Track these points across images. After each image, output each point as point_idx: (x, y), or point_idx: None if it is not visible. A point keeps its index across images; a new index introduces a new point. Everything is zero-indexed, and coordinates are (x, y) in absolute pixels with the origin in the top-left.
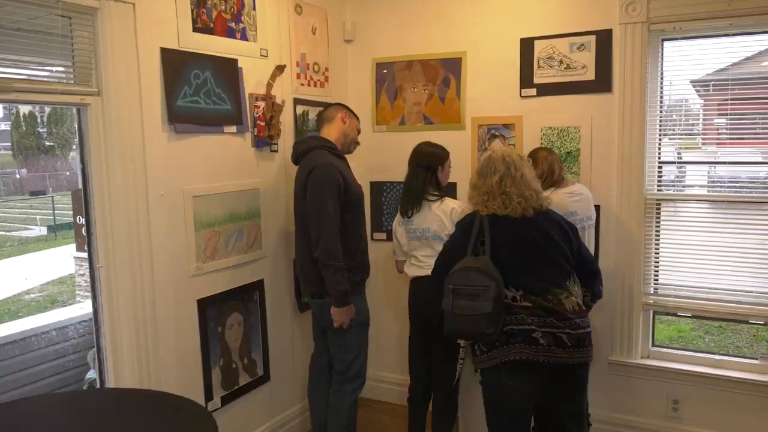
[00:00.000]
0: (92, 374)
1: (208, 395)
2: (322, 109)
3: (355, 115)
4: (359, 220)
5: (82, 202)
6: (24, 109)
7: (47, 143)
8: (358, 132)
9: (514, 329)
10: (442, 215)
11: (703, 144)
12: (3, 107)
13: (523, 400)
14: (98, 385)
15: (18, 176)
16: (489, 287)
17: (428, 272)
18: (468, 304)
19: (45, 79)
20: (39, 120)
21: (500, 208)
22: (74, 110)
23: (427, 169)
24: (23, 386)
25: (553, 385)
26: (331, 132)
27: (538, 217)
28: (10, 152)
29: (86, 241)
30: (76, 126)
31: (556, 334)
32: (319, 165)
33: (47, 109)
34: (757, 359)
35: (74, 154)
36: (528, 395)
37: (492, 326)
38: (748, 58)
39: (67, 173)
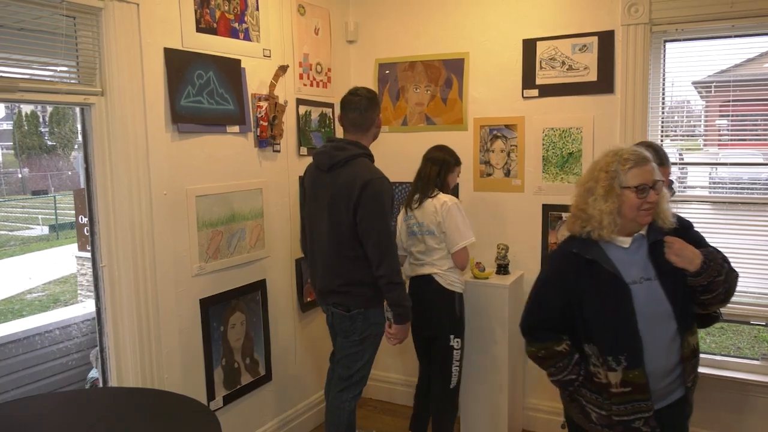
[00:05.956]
0: (95, 373)
1: (211, 395)
2: (351, 109)
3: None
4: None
5: (86, 201)
6: (26, 108)
7: (49, 143)
8: None
9: None
10: (435, 209)
11: (705, 145)
12: (5, 107)
13: None
14: (101, 384)
15: (20, 176)
16: None
17: (426, 272)
18: None
19: (49, 79)
20: (41, 119)
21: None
22: (77, 110)
23: (440, 167)
24: (26, 385)
25: None
26: (367, 139)
27: None
28: (12, 152)
29: (89, 241)
30: (78, 126)
31: None
32: (375, 179)
33: (49, 109)
34: (758, 360)
35: (76, 154)
36: None
37: None
38: (749, 60)
39: (69, 173)
